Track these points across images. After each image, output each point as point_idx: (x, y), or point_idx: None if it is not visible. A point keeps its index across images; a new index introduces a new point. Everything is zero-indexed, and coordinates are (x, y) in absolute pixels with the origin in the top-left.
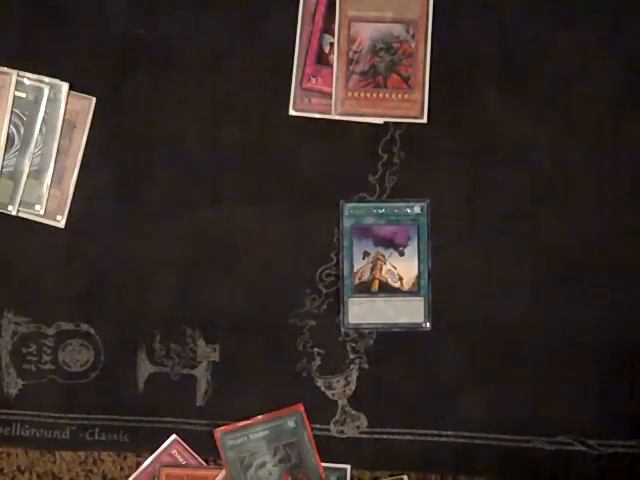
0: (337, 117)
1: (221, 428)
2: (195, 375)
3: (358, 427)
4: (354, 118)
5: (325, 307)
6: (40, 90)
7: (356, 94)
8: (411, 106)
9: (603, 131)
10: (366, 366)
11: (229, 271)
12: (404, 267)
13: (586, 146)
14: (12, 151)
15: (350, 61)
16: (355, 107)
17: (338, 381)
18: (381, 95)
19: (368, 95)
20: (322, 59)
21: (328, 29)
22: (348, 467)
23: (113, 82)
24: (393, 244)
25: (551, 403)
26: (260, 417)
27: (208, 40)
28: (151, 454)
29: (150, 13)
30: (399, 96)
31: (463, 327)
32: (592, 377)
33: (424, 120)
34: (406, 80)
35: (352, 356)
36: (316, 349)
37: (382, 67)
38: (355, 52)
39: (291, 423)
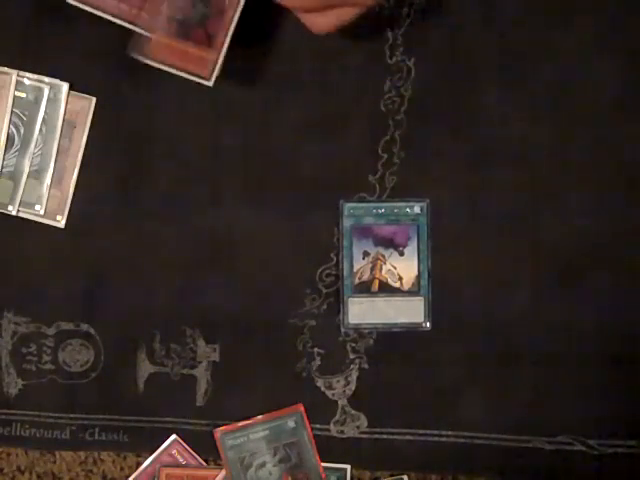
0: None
1: (221, 428)
2: (195, 375)
3: (358, 427)
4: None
5: (325, 307)
6: (40, 90)
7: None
8: (203, 65)
9: (603, 131)
10: (366, 366)
11: (229, 271)
12: (404, 267)
13: (586, 146)
14: (12, 151)
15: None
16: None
17: (338, 381)
18: (183, 47)
19: (171, 43)
20: None
21: None
22: (348, 467)
23: (113, 82)
24: (393, 244)
25: (551, 403)
26: (260, 417)
27: None
28: (151, 454)
29: None
30: (198, 52)
31: (463, 327)
32: (592, 377)
33: (210, 83)
34: (210, 38)
35: (352, 356)
36: (316, 349)
37: (195, 19)
38: None
39: (291, 423)
